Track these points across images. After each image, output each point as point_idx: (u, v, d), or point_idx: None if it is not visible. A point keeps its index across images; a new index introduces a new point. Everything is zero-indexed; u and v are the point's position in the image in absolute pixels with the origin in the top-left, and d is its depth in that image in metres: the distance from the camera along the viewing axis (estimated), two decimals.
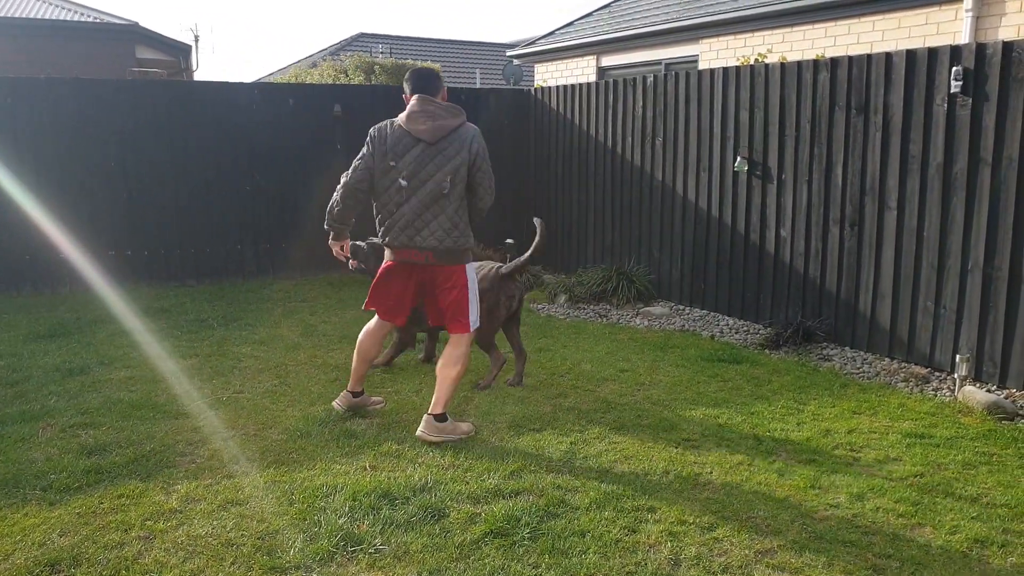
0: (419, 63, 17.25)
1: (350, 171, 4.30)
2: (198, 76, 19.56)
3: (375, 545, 3.08)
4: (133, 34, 16.35)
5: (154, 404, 4.65)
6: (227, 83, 8.45)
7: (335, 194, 4.41)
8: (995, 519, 3.30)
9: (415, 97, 4.21)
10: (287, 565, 2.95)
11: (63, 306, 7.16)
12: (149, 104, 7.90)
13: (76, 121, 7.65)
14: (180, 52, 19.06)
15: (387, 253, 4.36)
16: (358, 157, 4.29)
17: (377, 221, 4.31)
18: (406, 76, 4.34)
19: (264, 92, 8.59)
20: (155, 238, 8.05)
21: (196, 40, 19.97)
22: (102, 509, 3.36)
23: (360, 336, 4.48)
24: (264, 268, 8.51)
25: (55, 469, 3.72)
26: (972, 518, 3.31)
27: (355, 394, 4.52)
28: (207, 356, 5.68)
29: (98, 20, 15.91)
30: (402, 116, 4.21)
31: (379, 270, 4.42)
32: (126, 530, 3.19)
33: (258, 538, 3.14)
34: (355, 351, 4.48)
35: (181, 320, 6.70)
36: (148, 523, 3.25)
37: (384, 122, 4.30)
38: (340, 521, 3.23)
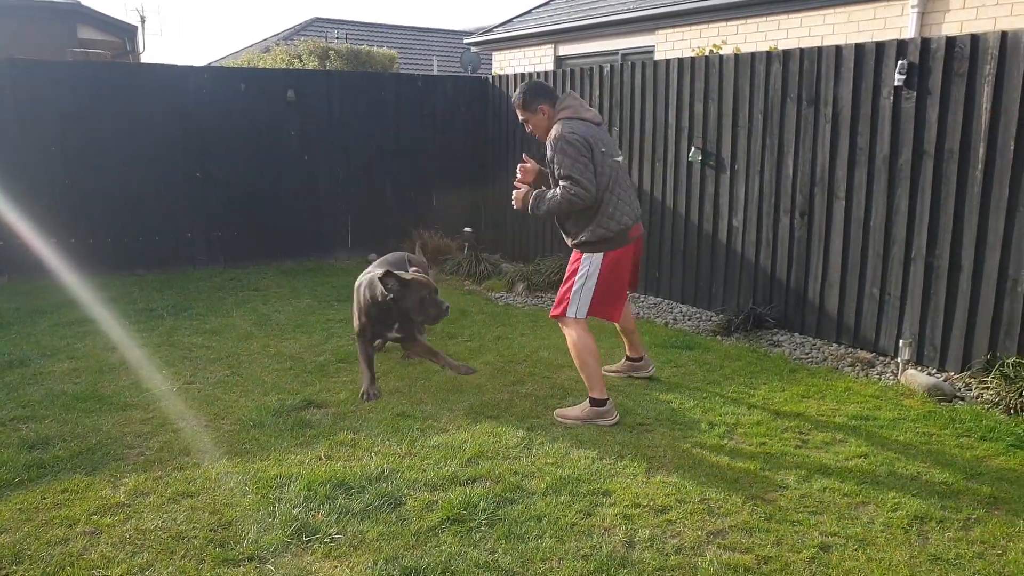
0: (375, 49, 17.08)
1: (581, 181, 4.10)
2: (144, 59, 19.05)
3: (331, 534, 3.07)
4: (75, 13, 15.84)
5: (100, 396, 4.55)
6: (176, 66, 8.24)
7: (566, 201, 4.15)
8: (934, 496, 3.42)
9: (566, 95, 4.36)
10: (240, 557, 2.92)
11: (1, 296, 6.95)
12: (92, 87, 7.67)
13: (12, 103, 7.38)
14: (125, 33, 18.52)
15: (613, 241, 4.22)
16: (576, 167, 4.10)
17: (602, 213, 4.19)
18: (535, 89, 4.35)
19: (215, 76, 8.41)
20: (101, 226, 7.84)
21: (142, 21, 19.45)
22: (45, 504, 3.29)
23: (582, 350, 4.25)
24: (215, 257, 8.36)
25: None
26: (913, 495, 3.42)
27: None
28: (156, 346, 5.57)
29: None
30: (571, 114, 4.25)
31: (604, 270, 4.21)
32: (71, 526, 3.13)
33: (210, 530, 3.10)
34: (583, 363, 4.25)
35: (129, 310, 6.56)
36: (94, 518, 3.19)
37: (562, 130, 4.17)
38: (295, 511, 3.21)
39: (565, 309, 4.30)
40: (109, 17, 17.34)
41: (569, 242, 4.37)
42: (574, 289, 4.27)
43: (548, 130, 4.29)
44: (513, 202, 4.47)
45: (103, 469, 3.62)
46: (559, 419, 4.27)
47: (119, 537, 3.05)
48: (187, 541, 3.02)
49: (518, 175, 4.52)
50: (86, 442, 3.90)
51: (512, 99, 4.82)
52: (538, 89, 4.34)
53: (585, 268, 4.25)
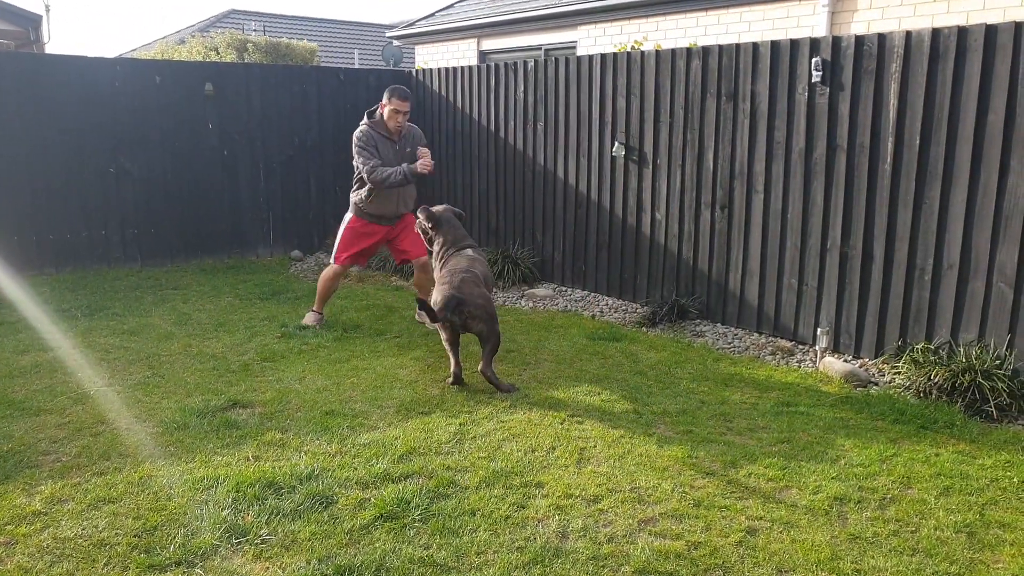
0: (295, 42, 16.74)
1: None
2: (50, 49, 18.21)
3: (261, 535, 3.01)
4: None
5: (10, 401, 4.34)
6: (85, 57, 7.90)
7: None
8: (852, 478, 3.57)
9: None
10: (167, 562, 2.84)
11: None
12: None
13: None
14: (29, 22, 17.62)
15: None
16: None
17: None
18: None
19: (128, 68, 8.09)
20: (7, 224, 7.46)
21: (47, 10, 18.51)
22: None
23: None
24: (131, 255, 8.06)
25: None
26: (832, 478, 3.56)
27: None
28: (71, 348, 5.34)
29: None
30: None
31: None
32: None
33: (134, 536, 3.00)
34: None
35: (40, 311, 6.27)
36: (8, 528, 3.05)
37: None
38: (223, 513, 3.14)
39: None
40: (10, 5, 16.47)
41: (408, 209, 6.06)
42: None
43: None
44: (423, 167, 5.65)
45: (16, 477, 3.46)
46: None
47: (36, 547, 2.93)
48: (110, 548, 2.92)
49: (423, 169, 5.70)
50: None
51: (400, 92, 5.82)
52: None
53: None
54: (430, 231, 5.39)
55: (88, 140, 7.73)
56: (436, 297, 4.74)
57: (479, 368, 4.72)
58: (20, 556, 2.86)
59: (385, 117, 5.82)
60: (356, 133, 5.87)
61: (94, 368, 4.95)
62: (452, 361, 4.75)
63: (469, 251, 5.22)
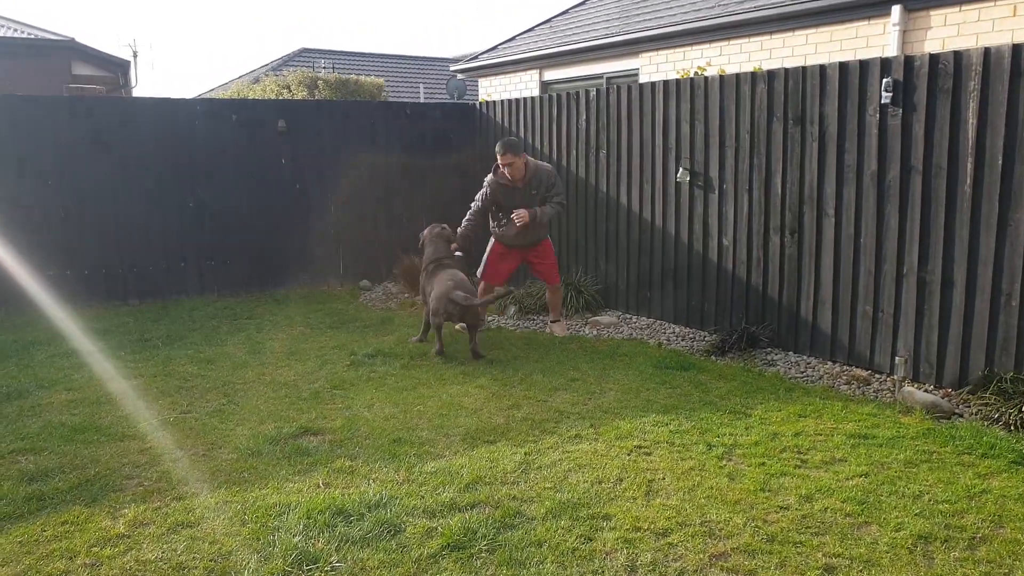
0: (363, 78, 17.19)
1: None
2: (137, 92, 19.13)
3: (331, 563, 3.04)
4: (69, 50, 15.96)
5: (98, 427, 4.52)
6: (168, 99, 8.30)
7: (558, 211, 6.90)
8: (937, 515, 3.41)
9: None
10: None
11: None
12: (86, 121, 7.71)
13: (10, 138, 7.42)
14: (118, 68, 18.65)
15: None
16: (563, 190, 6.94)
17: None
18: (518, 142, 6.69)
19: (206, 107, 8.45)
20: (95, 257, 7.83)
21: (135, 56, 19.54)
22: (45, 537, 3.26)
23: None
24: (208, 286, 8.35)
25: None
26: (916, 515, 3.41)
27: None
28: (152, 376, 5.54)
29: (32, 36, 15.51)
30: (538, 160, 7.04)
31: None
32: (71, 558, 3.10)
33: (210, 560, 3.07)
34: None
35: (124, 340, 6.53)
36: (94, 550, 3.16)
37: (549, 168, 6.81)
38: (294, 539, 3.19)
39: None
40: (103, 52, 17.46)
41: (539, 238, 6.82)
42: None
43: (523, 170, 6.50)
44: (518, 220, 6.47)
45: (102, 500, 3.59)
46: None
47: (120, 569, 3.02)
48: (187, 572, 3.00)
49: (517, 223, 6.54)
50: (85, 473, 3.87)
51: (499, 146, 6.47)
52: (519, 142, 6.63)
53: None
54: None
55: (169, 176, 8.08)
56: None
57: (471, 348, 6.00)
58: None
59: (501, 171, 6.56)
60: (487, 178, 6.79)
61: (173, 395, 5.12)
62: (440, 341, 6.14)
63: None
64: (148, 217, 8.02)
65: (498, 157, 6.45)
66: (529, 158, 6.64)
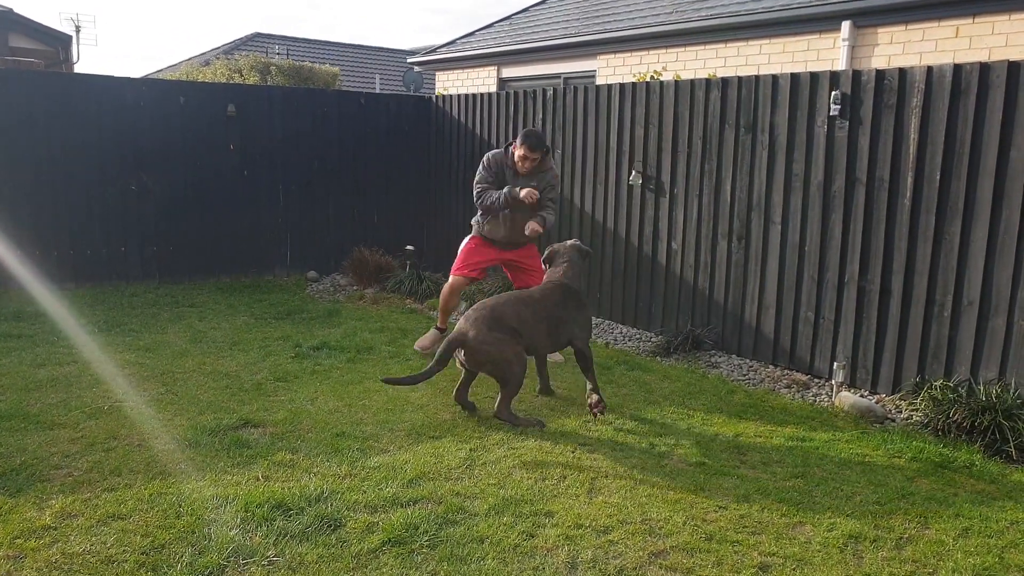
0: (317, 66, 16.95)
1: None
2: (79, 69, 18.52)
3: (268, 557, 2.99)
4: (6, 20, 15.36)
5: (25, 414, 4.36)
6: (111, 77, 8.02)
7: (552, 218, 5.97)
8: (867, 516, 3.51)
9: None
10: None
11: None
12: (23, 95, 7.42)
13: None
14: (59, 42, 18.01)
15: None
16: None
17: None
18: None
19: (152, 88, 8.21)
20: (30, 239, 7.54)
21: (77, 31, 18.90)
22: None
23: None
24: (150, 272, 8.13)
25: None
26: (847, 515, 3.51)
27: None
28: (86, 363, 5.37)
29: None
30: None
31: None
32: None
33: (142, 553, 2.99)
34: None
35: (58, 326, 6.32)
36: (17, 541, 3.04)
37: (557, 172, 6.08)
38: (231, 533, 3.13)
39: None
40: (42, 25, 16.85)
41: (524, 241, 5.90)
42: None
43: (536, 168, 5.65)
44: (531, 232, 5.63)
45: (28, 490, 3.47)
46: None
47: (45, 561, 2.92)
48: (117, 565, 2.91)
49: (527, 199, 5.52)
50: (10, 462, 3.73)
51: (530, 141, 5.51)
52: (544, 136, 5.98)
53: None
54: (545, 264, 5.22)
55: (111, 158, 7.83)
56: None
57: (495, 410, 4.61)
58: (28, 571, 2.86)
59: (515, 158, 5.63)
60: (487, 154, 5.83)
61: (109, 383, 4.97)
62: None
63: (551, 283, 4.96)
64: (88, 199, 7.76)
65: (522, 149, 5.53)
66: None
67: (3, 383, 4.88)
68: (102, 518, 3.24)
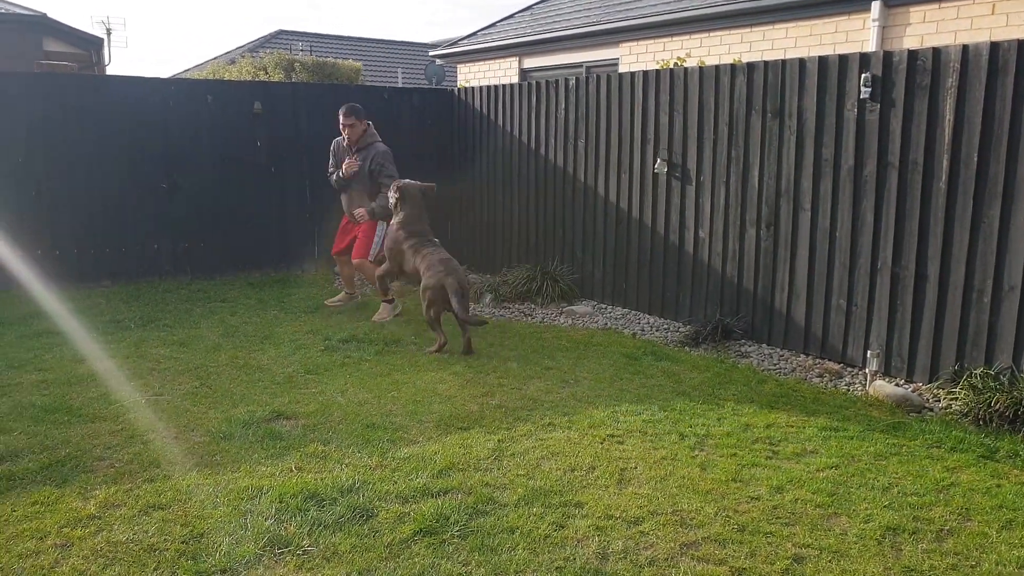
0: (340, 61, 17.03)
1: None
2: (110, 71, 18.81)
3: (303, 547, 3.03)
4: (41, 26, 15.62)
5: (69, 408, 4.46)
6: (142, 78, 8.14)
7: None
8: (906, 507, 3.46)
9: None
10: (212, 569, 2.87)
11: None
12: (59, 98, 7.55)
13: None
14: (91, 45, 18.30)
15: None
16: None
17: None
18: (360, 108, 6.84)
19: (181, 88, 8.31)
20: (67, 237, 7.69)
21: (108, 34, 19.18)
22: (15, 517, 3.22)
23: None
24: (182, 268, 8.24)
25: None
26: (884, 507, 3.46)
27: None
28: (124, 358, 5.47)
29: (3, 11, 15.15)
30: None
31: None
32: (41, 538, 3.06)
33: (182, 542, 3.05)
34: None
35: (96, 322, 6.43)
36: (65, 530, 3.12)
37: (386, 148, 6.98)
38: (267, 523, 3.17)
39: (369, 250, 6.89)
40: (75, 29, 17.12)
41: (368, 217, 6.83)
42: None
43: (360, 139, 6.81)
44: (359, 216, 6.75)
45: (73, 481, 3.55)
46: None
47: (90, 550, 2.99)
48: (159, 553, 2.97)
49: (346, 171, 6.86)
50: (56, 454, 3.82)
51: (343, 108, 6.78)
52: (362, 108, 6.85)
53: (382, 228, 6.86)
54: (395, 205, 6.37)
55: (142, 157, 7.94)
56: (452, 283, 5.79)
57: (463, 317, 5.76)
58: (75, 559, 2.93)
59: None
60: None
61: (146, 377, 5.06)
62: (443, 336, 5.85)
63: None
64: (121, 198, 7.89)
65: (340, 118, 6.75)
66: (371, 128, 6.94)
67: (47, 378, 4.99)
68: (143, 508, 3.31)
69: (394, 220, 6.39)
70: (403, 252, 6.24)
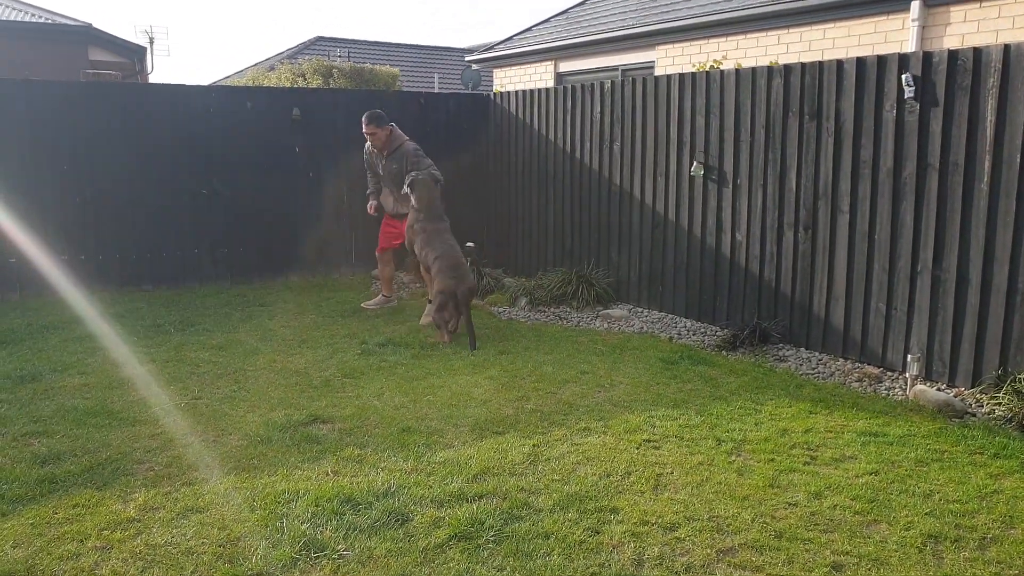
0: (378, 67, 17.18)
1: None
2: (153, 78, 19.21)
3: (339, 551, 3.06)
4: (86, 35, 16.02)
5: (109, 411, 4.56)
6: (183, 85, 8.32)
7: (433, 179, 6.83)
8: (947, 515, 3.39)
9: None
10: (248, 572, 2.91)
11: (13, 312, 6.97)
12: (103, 106, 7.74)
13: (26, 123, 7.46)
14: (134, 54, 18.72)
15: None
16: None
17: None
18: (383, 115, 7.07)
19: (221, 95, 8.46)
20: (109, 243, 7.88)
21: (151, 42, 19.59)
22: (56, 519, 3.29)
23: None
24: (221, 273, 8.38)
25: (7, 479, 3.63)
26: (926, 514, 3.40)
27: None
28: (164, 362, 5.58)
29: (50, 21, 15.57)
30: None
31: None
32: (82, 540, 3.13)
33: (219, 546, 3.09)
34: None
35: (137, 326, 6.57)
36: (105, 533, 3.19)
37: (415, 145, 7.13)
38: (303, 527, 3.21)
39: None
40: (119, 39, 17.54)
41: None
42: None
43: (388, 143, 7.02)
44: (371, 211, 7.37)
45: (113, 484, 3.63)
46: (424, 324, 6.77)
47: (129, 552, 3.05)
48: (196, 556, 3.02)
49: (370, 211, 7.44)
50: (96, 457, 3.91)
51: (365, 117, 6.98)
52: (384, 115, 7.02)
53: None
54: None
55: (183, 163, 8.10)
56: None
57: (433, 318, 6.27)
58: (114, 561, 2.99)
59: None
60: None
61: (185, 381, 5.16)
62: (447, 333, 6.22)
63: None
64: (162, 203, 8.05)
65: (363, 127, 6.97)
66: (396, 131, 7.10)
67: (88, 381, 5.11)
68: (182, 511, 3.37)
69: (411, 210, 6.81)
70: (416, 234, 6.68)
